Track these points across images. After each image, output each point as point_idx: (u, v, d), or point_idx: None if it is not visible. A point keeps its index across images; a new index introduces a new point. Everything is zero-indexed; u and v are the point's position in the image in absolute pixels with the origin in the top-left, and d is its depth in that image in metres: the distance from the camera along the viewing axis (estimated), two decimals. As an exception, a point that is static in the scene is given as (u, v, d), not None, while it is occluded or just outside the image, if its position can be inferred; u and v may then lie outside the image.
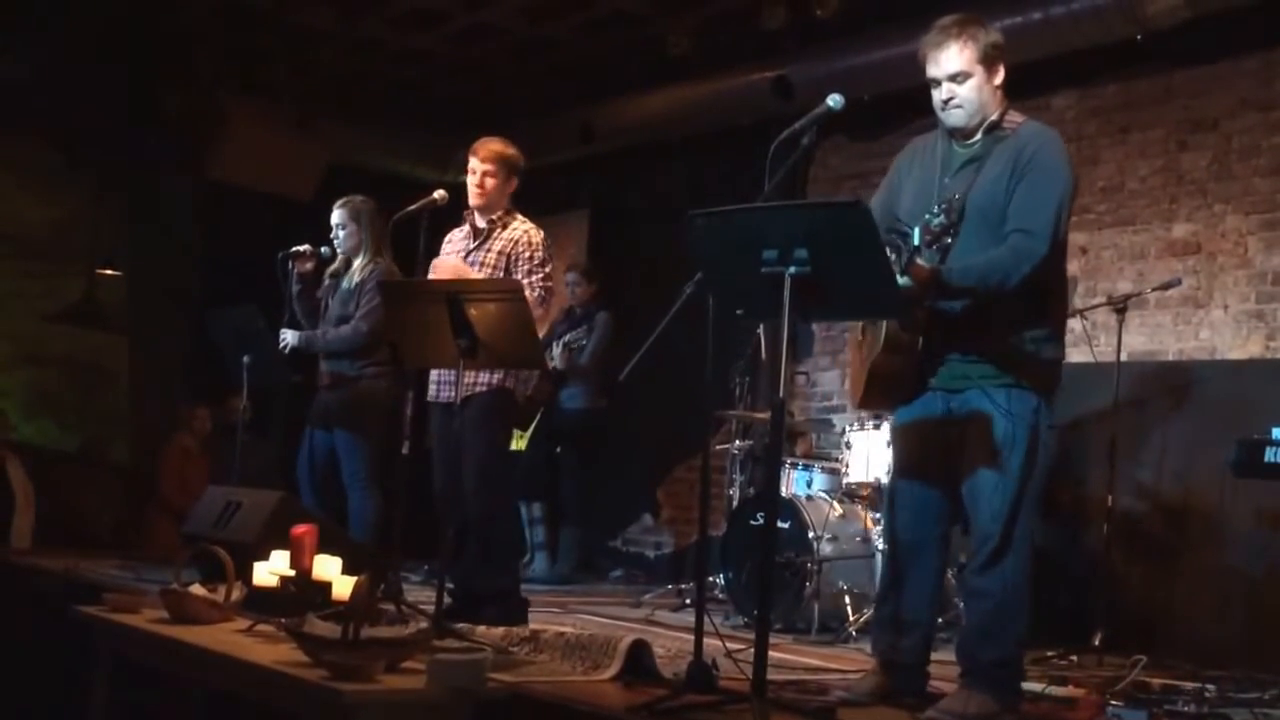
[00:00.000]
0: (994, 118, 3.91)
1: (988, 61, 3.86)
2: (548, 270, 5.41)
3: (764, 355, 7.09)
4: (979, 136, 3.93)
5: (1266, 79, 6.50)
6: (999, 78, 3.90)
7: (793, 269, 3.45)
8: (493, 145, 5.48)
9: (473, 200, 5.45)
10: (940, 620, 5.67)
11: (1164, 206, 6.85)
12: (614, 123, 9.20)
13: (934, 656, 4.16)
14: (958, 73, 3.86)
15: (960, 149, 3.96)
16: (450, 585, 5.08)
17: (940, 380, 3.91)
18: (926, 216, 3.67)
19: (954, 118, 3.91)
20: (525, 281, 5.23)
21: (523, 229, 5.46)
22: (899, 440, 4.18)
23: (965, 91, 3.87)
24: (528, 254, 5.38)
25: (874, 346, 3.91)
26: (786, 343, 3.59)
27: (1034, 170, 3.78)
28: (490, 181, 5.42)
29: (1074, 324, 6.73)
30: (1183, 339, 6.70)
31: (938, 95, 3.92)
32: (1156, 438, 6.57)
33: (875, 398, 4.06)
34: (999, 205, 3.79)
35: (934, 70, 3.90)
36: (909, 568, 4.05)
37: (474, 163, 5.46)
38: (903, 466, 4.14)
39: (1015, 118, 3.94)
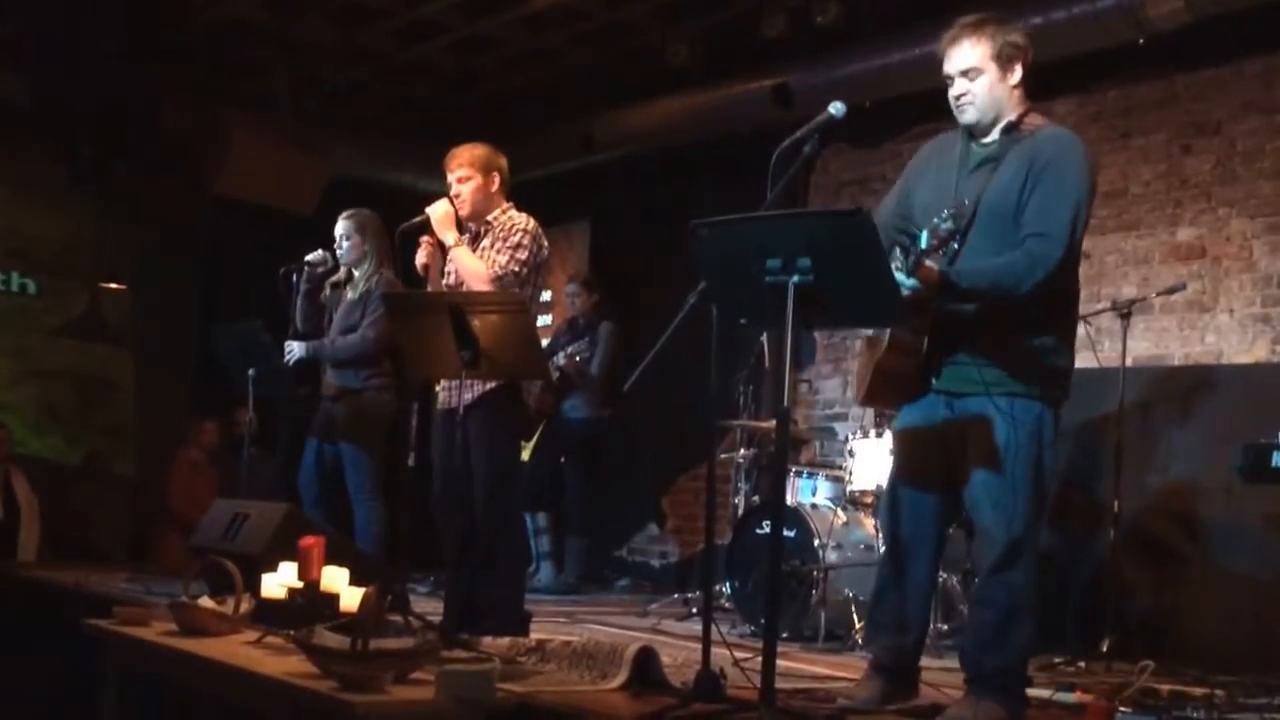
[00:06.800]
0: (1012, 118, 3.89)
1: (1002, 60, 3.85)
2: (521, 257, 5.14)
3: (767, 364, 7.10)
4: (996, 136, 3.91)
5: (1269, 82, 6.51)
6: (1015, 77, 3.88)
7: (796, 278, 3.45)
8: (462, 153, 5.29)
9: (459, 212, 5.27)
10: (945, 627, 5.71)
11: (1168, 211, 6.86)
12: (615, 133, 9.21)
13: (939, 663, 4.15)
14: (969, 69, 3.85)
15: (978, 148, 3.94)
16: (453, 594, 5.08)
17: (944, 383, 3.89)
18: (935, 220, 3.65)
19: (966, 114, 3.90)
20: (491, 258, 5.13)
21: (513, 219, 5.28)
22: (900, 443, 4.17)
23: (977, 88, 3.86)
24: (503, 234, 5.21)
25: (881, 346, 3.92)
26: (790, 352, 3.59)
27: (1050, 175, 3.76)
28: (466, 186, 5.24)
29: (1079, 329, 6.74)
30: (1188, 343, 6.70)
31: (952, 91, 3.92)
32: (1163, 443, 6.56)
33: (879, 395, 4.07)
34: (1011, 207, 3.77)
35: (948, 66, 3.90)
36: (906, 569, 4.05)
37: (449, 177, 5.30)
38: (902, 469, 4.12)
39: (1036, 120, 3.92)
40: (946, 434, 3.91)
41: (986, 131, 3.92)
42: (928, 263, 3.68)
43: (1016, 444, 3.79)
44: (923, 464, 4.01)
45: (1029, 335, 3.82)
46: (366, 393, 6.45)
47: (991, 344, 3.81)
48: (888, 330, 3.84)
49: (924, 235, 3.69)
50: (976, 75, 3.85)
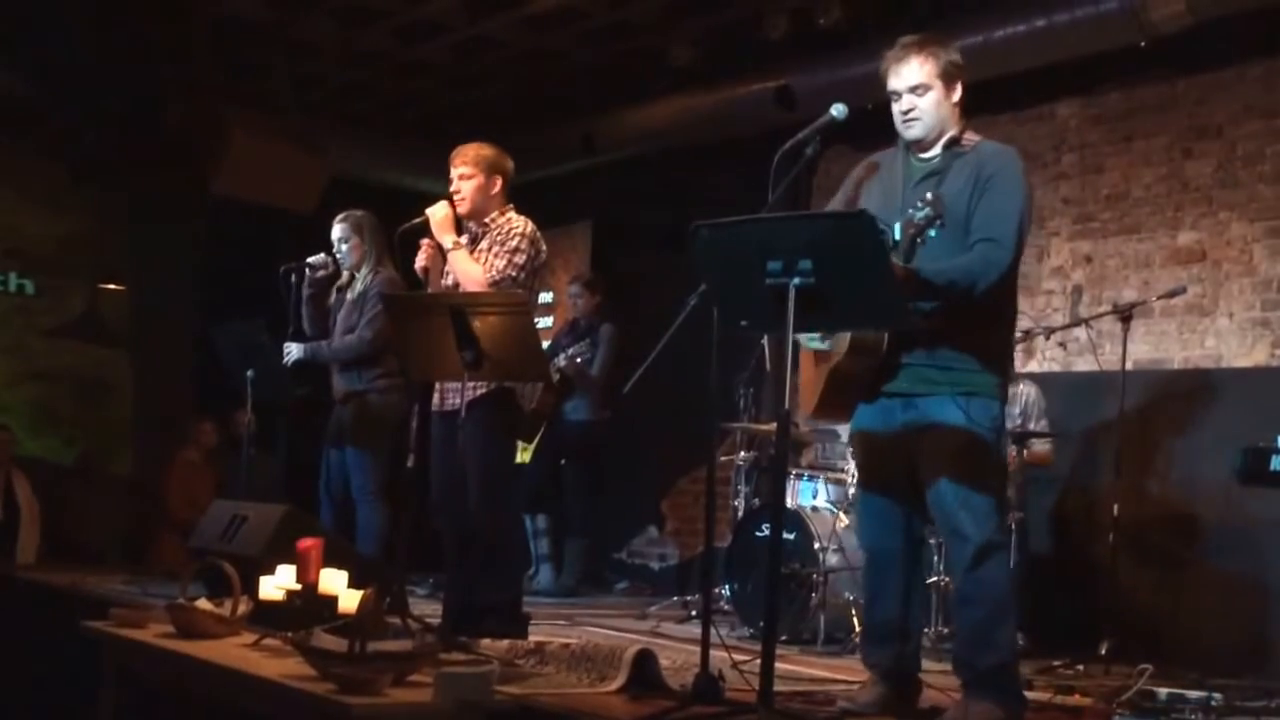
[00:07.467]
0: (953, 133, 4.01)
1: (947, 78, 3.97)
2: (518, 261, 5.15)
3: (768, 366, 7.09)
4: (938, 150, 4.01)
5: (1270, 85, 6.51)
6: (957, 95, 4.00)
7: (797, 280, 3.46)
8: (468, 150, 5.31)
9: (458, 209, 5.28)
10: (945, 630, 5.70)
11: (1169, 214, 6.85)
12: (616, 134, 9.20)
13: (939, 666, 4.15)
14: (918, 85, 3.96)
15: (918, 162, 4.05)
16: (451, 596, 5.07)
17: (899, 385, 3.94)
18: (910, 211, 3.71)
19: (913, 130, 4.00)
20: (489, 262, 5.13)
21: (511, 222, 5.27)
22: (859, 451, 4.23)
23: (924, 104, 3.96)
24: (501, 237, 5.21)
25: (834, 353, 3.91)
26: (791, 354, 3.59)
27: (996, 184, 3.88)
28: (468, 184, 5.25)
29: (1079, 332, 6.76)
30: (1188, 347, 6.70)
31: (898, 108, 4.02)
32: (1162, 446, 6.57)
33: (830, 404, 4.06)
34: (961, 216, 3.85)
35: (895, 83, 4.00)
36: (885, 579, 4.09)
37: (452, 172, 5.31)
38: (869, 478, 4.19)
39: (973, 136, 4.04)
40: (905, 437, 3.96)
41: (929, 147, 4.02)
42: (894, 260, 3.70)
43: (980, 442, 3.85)
44: (887, 470, 4.06)
45: (982, 336, 3.91)
46: (371, 394, 6.44)
47: (949, 344, 3.88)
48: (847, 334, 3.85)
49: (897, 228, 3.74)
50: (924, 91, 3.96)
